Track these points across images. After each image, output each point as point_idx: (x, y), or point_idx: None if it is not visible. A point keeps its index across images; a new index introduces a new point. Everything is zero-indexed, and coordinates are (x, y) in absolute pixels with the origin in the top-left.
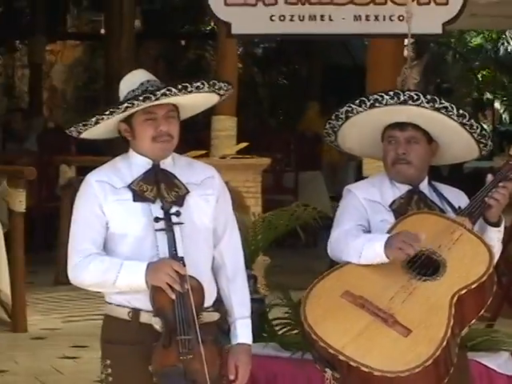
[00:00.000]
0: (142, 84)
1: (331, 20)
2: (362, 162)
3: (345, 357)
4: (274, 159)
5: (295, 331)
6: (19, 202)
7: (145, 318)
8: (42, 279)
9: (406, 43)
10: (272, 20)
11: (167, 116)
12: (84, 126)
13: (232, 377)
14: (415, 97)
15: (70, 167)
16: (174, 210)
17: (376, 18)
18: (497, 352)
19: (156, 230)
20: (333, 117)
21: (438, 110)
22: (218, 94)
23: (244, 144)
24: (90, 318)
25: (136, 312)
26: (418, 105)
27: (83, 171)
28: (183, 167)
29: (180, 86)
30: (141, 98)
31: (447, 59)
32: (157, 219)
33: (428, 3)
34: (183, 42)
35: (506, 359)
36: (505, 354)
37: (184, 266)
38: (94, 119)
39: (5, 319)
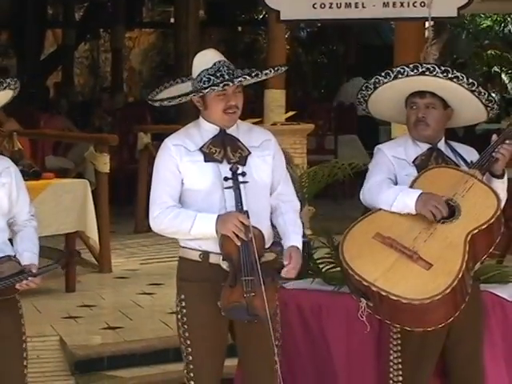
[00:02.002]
0: (214, 64)
1: (364, 7)
2: (391, 126)
3: (377, 288)
4: (317, 125)
5: (336, 269)
6: (104, 164)
7: (213, 259)
8: (124, 228)
9: (426, 25)
10: (314, 8)
11: (235, 92)
12: (169, 101)
13: (286, 262)
14: (431, 68)
15: (147, 134)
16: (240, 170)
17: (401, 4)
18: (507, 283)
19: (225, 188)
20: (363, 87)
21: (450, 79)
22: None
23: (291, 113)
24: (164, 260)
25: (206, 254)
26: (434, 75)
27: (157, 137)
28: (245, 132)
29: (254, 74)
30: (221, 85)
31: (461, 38)
32: (226, 178)
33: None
34: (240, 28)
35: None
36: None
37: (248, 218)
38: (178, 98)
39: (93, 262)
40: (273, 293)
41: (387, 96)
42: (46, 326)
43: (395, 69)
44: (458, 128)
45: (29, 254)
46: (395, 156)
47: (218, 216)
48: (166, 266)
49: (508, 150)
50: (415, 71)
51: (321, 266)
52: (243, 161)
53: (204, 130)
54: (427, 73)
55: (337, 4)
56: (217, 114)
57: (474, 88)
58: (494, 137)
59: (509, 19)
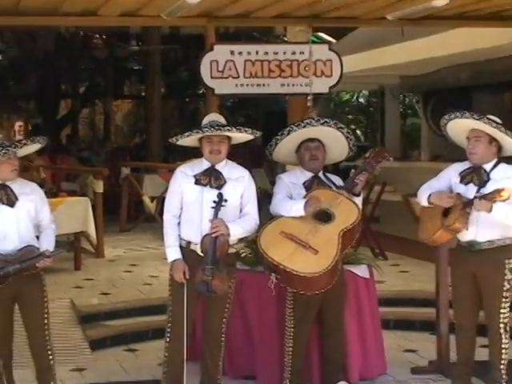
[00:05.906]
0: (209, 122)
1: (269, 85)
2: (286, 165)
3: (283, 266)
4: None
5: (250, 255)
6: (99, 187)
7: (192, 246)
8: (112, 229)
9: (308, 98)
10: (237, 86)
11: (219, 141)
12: (181, 137)
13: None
14: (328, 121)
15: (127, 168)
16: (224, 197)
17: (293, 84)
18: (359, 264)
19: (211, 208)
20: (279, 133)
21: (338, 128)
22: (251, 134)
23: None
24: (138, 250)
25: (188, 243)
26: (329, 125)
27: (134, 170)
28: (229, 168)
29: (227, 128)
30: (198, 131)
31: (330, 107)
32: (214, 201)
33: (321, 76)
34: (187, 99)
35: (364, 269)
36: (363, 266)
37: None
38: (179, 136)
39: (92, 251)
40: (225, 279)
41: (289, 142)
42: (61, 292)
43: (305, 120)
44: (328, 165)
45: (46, 244)
46: (291, 181)
47: (175, 260)
48: (139, 254)
49: (364, 178)
50: (319, 122)
51: (240, 253)
52: (220, 187)
53: (203, 163)
54: (325, 123)
55: (251, 84)
56: (206, 154)
57: (349, 135)
58: (353, 171)
59: (360, 93)
